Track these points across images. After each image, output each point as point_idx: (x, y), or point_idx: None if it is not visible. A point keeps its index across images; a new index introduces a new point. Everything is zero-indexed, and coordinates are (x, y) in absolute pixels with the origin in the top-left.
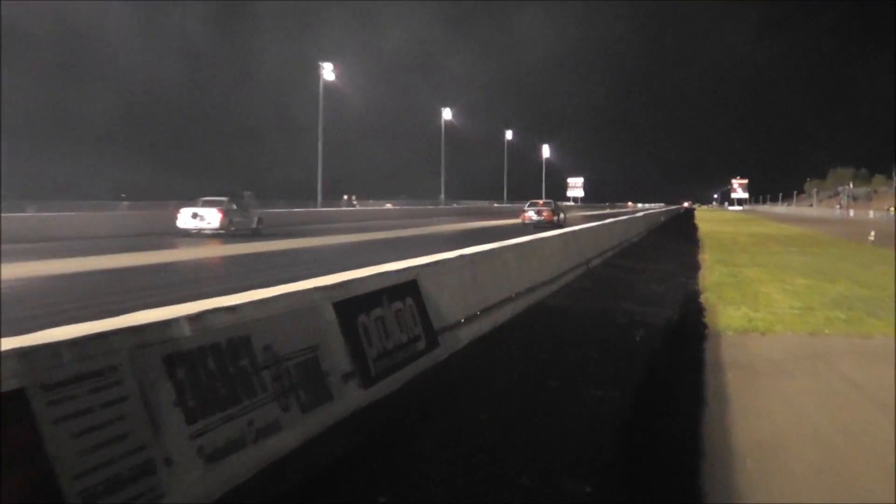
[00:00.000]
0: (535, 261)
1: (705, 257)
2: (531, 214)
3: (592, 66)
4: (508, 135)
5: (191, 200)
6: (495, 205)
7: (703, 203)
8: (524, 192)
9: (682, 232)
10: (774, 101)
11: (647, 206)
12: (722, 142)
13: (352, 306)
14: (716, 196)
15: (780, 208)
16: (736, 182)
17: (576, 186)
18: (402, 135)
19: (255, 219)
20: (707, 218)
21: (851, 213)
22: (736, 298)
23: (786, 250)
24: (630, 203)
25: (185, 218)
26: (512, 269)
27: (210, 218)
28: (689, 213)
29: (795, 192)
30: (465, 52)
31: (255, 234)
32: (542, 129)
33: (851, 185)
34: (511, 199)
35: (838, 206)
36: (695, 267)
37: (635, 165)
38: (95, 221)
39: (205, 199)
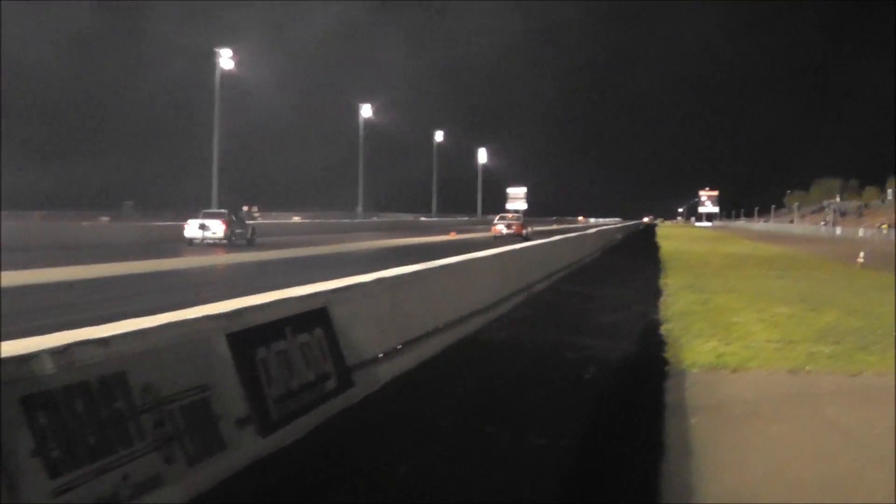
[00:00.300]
0: (468, 285)
1: (668, 282)
2: (501, 227)
3: (541, 61)
4: (438, 136)
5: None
6: (422, 218)
7: (667, 218)
8: (457, 203)
9: (641, 251)
10: (750, 104)
11: (601, 221)
12: (689, 149)
13: (249, 339)
14: (681, 210)
15: (757, 224)
16: (704, 194)
17: (517, 198)
18: (317, 136)
19: (250, 230)
20: (671, 235)
21: (838, 230)
22: (704, 330)
23: (763, 273)
24: (581, 218)
25: (193, 228)
26: (440, 295)
27: (215, 228)
28: (651, 229)
29: (774, 207)
30: (394, 43)
31: (250, 245)
32: (481, 132)
33: (839, 199)
34: (442, 211)
35: (824, 223)
36: (656, 293)
37: (588, 175)
38: (114, 230)
39: (206, 211)
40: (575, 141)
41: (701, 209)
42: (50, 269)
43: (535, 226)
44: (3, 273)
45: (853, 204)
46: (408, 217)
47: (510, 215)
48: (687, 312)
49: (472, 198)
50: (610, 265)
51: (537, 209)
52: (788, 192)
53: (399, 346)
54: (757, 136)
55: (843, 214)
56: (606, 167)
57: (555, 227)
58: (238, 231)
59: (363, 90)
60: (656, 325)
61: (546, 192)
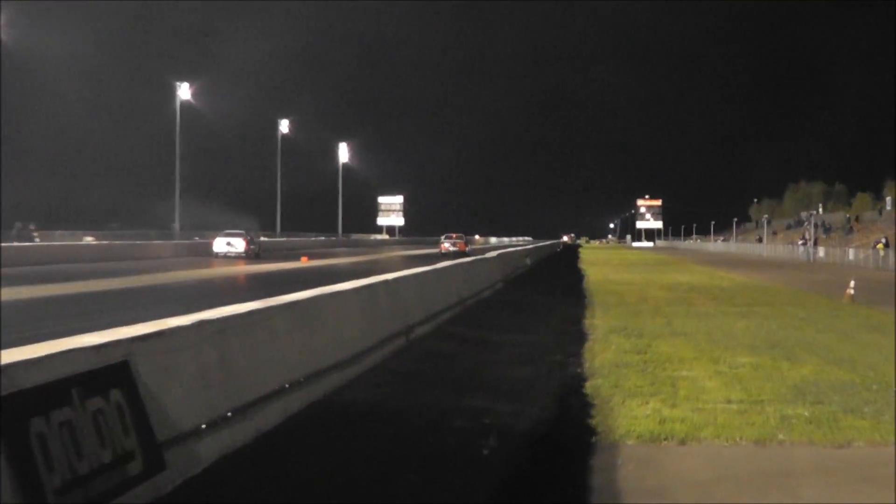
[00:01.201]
0: (324, 329)
1: (595, 323)
2: (447, 245)
3: (425, 47)
4: (283, 127)
5: None
6: (263, 238)
7: (594, 237)
8: (313, 218)
9: (559, 282)
10: (703, 89)
11: (506, 241)
12: (624, 149)
13: (19, 405)
14: (613, 226)
15: (714, 244)
16: (644, 205)
17: (391, 210)
18: (127, 135)
19: (258, 245)
20: (600, 260)
21: (821, 251)
22: (642, 387)
23: (722, 311)
24: (479, 237)
25: (221, 245)
26: (285, 343)
27: (238, 245)
28: (572, 252)
29: (736, 221)
30: (237, 20)
31: (257, 258)
32: (349, 128)
33: (821, 210)
34: (294, 227)
35: (802, 241)
36: (579, 338)
37: (489, 183)
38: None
39: (228, 231)
40: (471, 140)
41: (640, 224)
42: None
43: (411, 248)
44: None
45: (840, 216)
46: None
47: (455, 235)
48: (620, 364)
49: (333, 209)
50: (517, 301)
51: (420, 225)
52: (755, 201)
53: (229, 415)
54: (713, 130)
55: (827, 230)
56: (513, 173)
57: (442, 249)
58: (252, 247)
59: (205, 77)
60: (579, 381)
61: (432, 204)
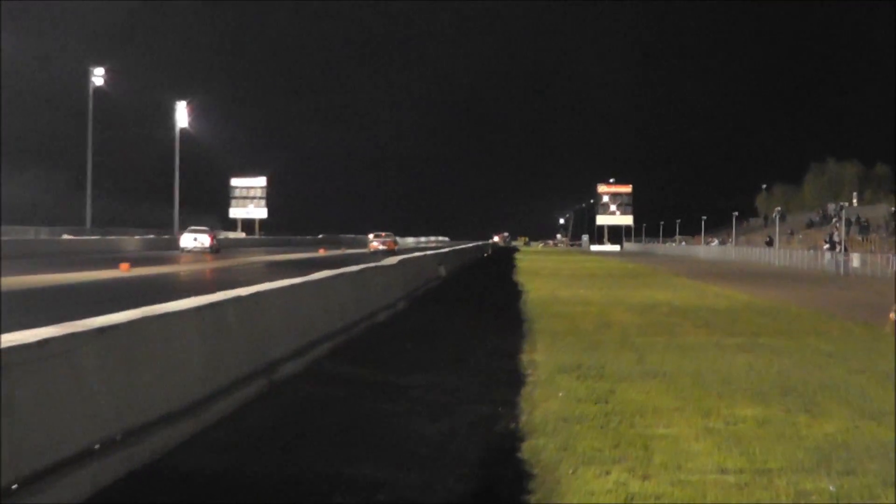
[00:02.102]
0: (148, 365)
1: (537, 359)
2: (377, 244)
3: None
4: (98, 79)
5: None
6: (66, 237)
7: (538, 238)
8: (141, 208)
9: (488, 300)
10: (688, 36)
11: (412, 241)
12: (579, 121)
13: None
14: (564, 222)
15: (707, 249)
16: (607, 192)
17: (249, 197)
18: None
19: (217, 241)
20: (546, 270)
21: (856, 259)
22: (602, 451)
23: (715, 342)
24: (372, 237)
25: (188, 240)
26: (94, 384)
27: (203, 240)
28: (506, 257)
29: (736, 216)
30: None
31: (216, 252)
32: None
33: (856, 201)
34: (113, 221)
35: (828, 245)
36: (513, 380)
37: (391, 169)
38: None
39: (193, 227)
40: (367, 114)
41: (601, 219)
42: None
43: (277, 251)
44: None
45: (882, 210)
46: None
47: (383, 234)
48: (570, 417)
49: (166, 186)
50: (426, 326)
51: (290, 220)
52: (763, 188)
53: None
54: (704, 92)
55: (864, 229)
56: (424, 155)
57: (321, 253)
58: (215, 243)
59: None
60: (512, 441)
61: (309, 192)
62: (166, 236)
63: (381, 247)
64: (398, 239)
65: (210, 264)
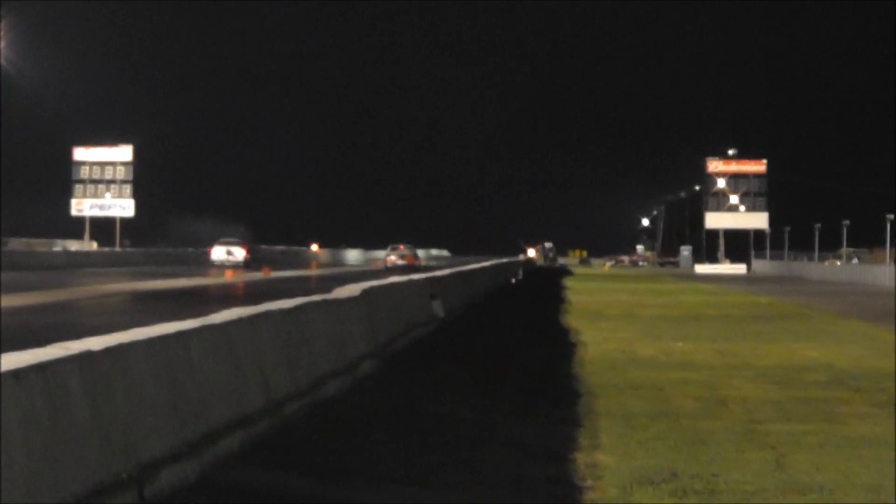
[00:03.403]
0: None
1: (600, 459)
2: (394, 257)
3: None
4: None
5: None
6: None
7: (604, 253)
8: None
9: (516, 357)
10: None
11: (379, 258)
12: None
13: None
14: (648, 222)
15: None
16: (722, 173)
17: (103, 178)
18: None
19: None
20: (616, 307)
21: None
22: None
23: None
24: (389, 249)
25: (220, 253)
26: None
27: (238, 254)
28: (548, 284)
29: None
30: None
31: (248, 266)
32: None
33: None
34: None
35: None
36: (559, 498)
37: (362, 142)
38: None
39: (224, 239)
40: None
41: (714, 219)
42: None
43: (146, 276)
44: None
45: None
46: None
47: (402, 246)
48: None
49: None
50: (408, 405)
51: (178, 216)
52: None
53: None
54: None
55: None
56: (411, 120)
57: (265, 274)
58: (250, 256)
59: None
60: None
61: (211, 175)
62: None
63: (399, 262)
64: (332, 250)
65: (43, 296)
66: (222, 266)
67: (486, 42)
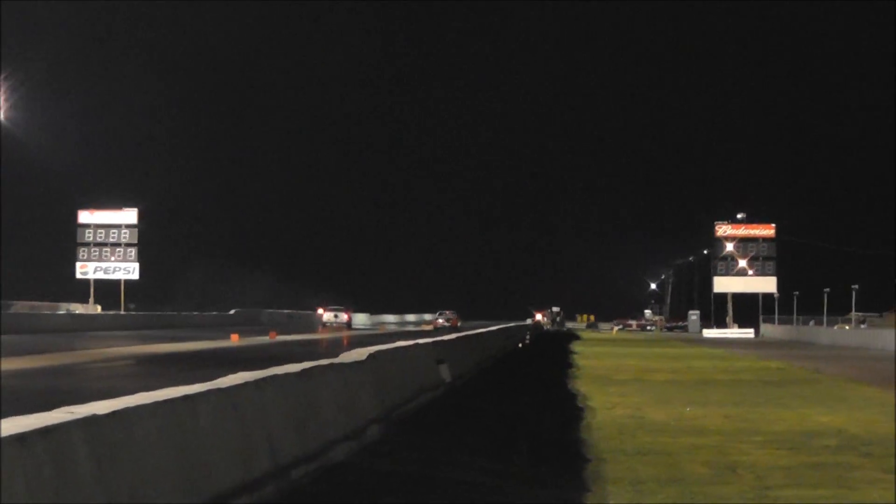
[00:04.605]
0: None
1: None
2: (441, 321)
3: None
4: None
5: None
6: None
7: (611, 318)
8: None
9: (525, 422)
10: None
11: (393, 322)
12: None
13: None
14: (656, 286)
15: None
16: (731, 237)
17: (108, 242)
18: None
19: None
20: (624, 371)
21: None
22: None
23: None
24: (437, 314)
25: (329, 316)
26: None
27: (342, 317)
28: (557, 348)
29: None
30: None
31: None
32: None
33: None
34: None
35: None
36: None
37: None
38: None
39: (331, 307)
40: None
41: (723, 284)
42: None
43: (154, 340)
44: None
45: None
46: None
47: (448, 312)
48: None
49: None
50: (417, 470)
51: (181, 280)
52: None
53: None
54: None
55: None
56: (416, 185)
57: (272, 337)
58: (351, 319)
59: None
60: None
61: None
62: None
63: (445, 323)
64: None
65: (42, 360)
66: (330, 326)
67: (497, 105)
